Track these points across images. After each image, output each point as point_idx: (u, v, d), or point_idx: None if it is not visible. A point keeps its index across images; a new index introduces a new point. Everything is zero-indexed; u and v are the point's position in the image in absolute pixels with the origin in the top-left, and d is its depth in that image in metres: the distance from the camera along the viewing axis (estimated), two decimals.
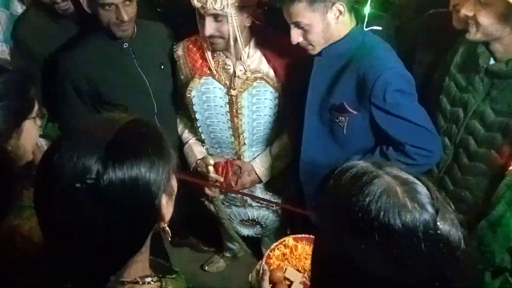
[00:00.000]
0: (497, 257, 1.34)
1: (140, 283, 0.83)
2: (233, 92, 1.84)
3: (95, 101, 1.94)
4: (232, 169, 2.02)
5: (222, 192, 2.10)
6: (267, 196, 2.11)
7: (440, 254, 0.71)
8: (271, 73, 1.81)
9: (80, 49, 1.87)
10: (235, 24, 1.66)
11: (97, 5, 1.73)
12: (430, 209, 0.73)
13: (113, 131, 0.78)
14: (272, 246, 1.41)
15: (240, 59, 1.79)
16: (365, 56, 1.53)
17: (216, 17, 1.65)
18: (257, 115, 1.89)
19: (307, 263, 1.35)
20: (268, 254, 1.38)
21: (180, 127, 2.11)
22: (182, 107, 2.04)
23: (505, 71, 1.42)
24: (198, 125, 1.97)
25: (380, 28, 1.56)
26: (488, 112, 1.47)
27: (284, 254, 1.39)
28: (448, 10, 1.58)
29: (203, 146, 2.06)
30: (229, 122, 1.91)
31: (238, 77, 1.81)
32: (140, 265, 0.84)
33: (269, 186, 2.09)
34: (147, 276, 0.85)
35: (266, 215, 2.21)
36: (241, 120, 1.89)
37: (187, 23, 1.83)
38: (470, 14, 1.36)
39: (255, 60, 1.81)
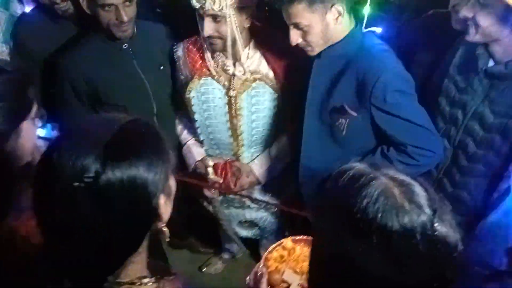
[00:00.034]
0: (496, 258, 1.34)
1: (138, 284, 0.83)
2: (232, 93, 1.84)
3: (94, 102, 1.94)
4: (231, 170, 2.02)
5: (221, 193, 2.09)
6: (266, 197, 2.11)
7: (438, 255, 0.71)
8: (271, 74, 1.81)
9: (80, 49, 1.87)
10: (234, 25, 1.67)
11: (96, 6, 1.73)
12: (427, 210, 0.73)
13: (112, 131, 0.78)
14: (270, 248, 1.40)
15: (240, 60, 1.80)
16: (365, 58, 1.53)
17: (215, 17, 1.65)
18: (256, 116, 1.89)
19: (305, 265, 1.33)
20: (266, 256, 1.38)
21: (179, 128, 2.11)
22: (181, 108, 2.04)
23: (504, 72, 1.42)
24: (197, 125, 1.97)
25: (379, 29, 1.56)
26: (487, 114, 1.47)
27: (282, 256, 1.38)
28: (448, 10, 1.58)
29: (202, 147, 2.06)
30: (228, 122, 1.91)
31: (238, 78, 1.82)
32: (137, 266, 0.84)
33: (267, 187, 2.09)
34: (144, 277, 0.85)
35: (264, 217, 2.21)
36: (240, 121, 1.89)
37: (187, 23, 1.83)
38: (470, 15, 1.36)
39: (254, 61, 1.82)
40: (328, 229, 0.78)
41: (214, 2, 1.60)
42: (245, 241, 2.44)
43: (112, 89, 1.90)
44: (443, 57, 1.67)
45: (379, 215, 0.71)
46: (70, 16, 1.96)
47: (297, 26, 1.52)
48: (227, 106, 1.87)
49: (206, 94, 1.88)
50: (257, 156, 2.02)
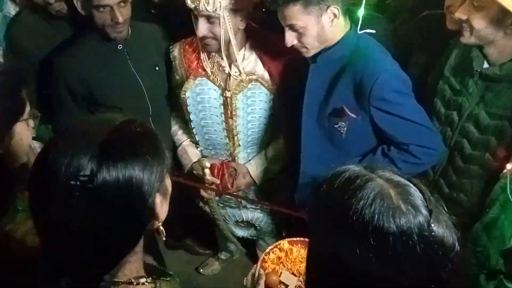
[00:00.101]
0: (492, 259, 1.35)
1: (135, 283, 0.84)
2: (227, 94, 1.83)
3: (90, 103, 1.93)
4: (228, 171, 2.01)
5: (217, 193, 2.09)
6: (262, 198, 2.11)
7: (435, 256, 0.71)
8: (266, 75, 1.81)
9: (74, 50, 1.87)
10: (228, 26, 1.67)
11: (91, 6, 1.73)
12: (423, 211, 0.73)
13: (108, 131, 0.79)
14: (267, 250, 1.40)
15: (235, 61, 1.79)
16: (361, 60, 1.53)
17: (208, 18, 1.66)
18: (251, 117, 1.89)
19: (302, 266, 1.34)
20: (263, 257, 1.38)
21: (174, 129, 2.10)
22: (177, 108, 2.03)
23: (499, 75, 1.43)
24: (192, 126, 1.97)
25: (374, 31, 1.56)
26: (483, 116, 1.48)
27: (279, 258, 1.38)
28: (442, 11, 1.59)
29: (197, 147, 2.05)
30: (224, 123, 1.90)
31: (233, 78, 1.81)
32: (134, 265, 0.84)
33: (263, 188, 2.09)
34: (141, 277, 0.85)
35: (260, 217, 2.21)
36: (235, 121, 1.89)
37: (182, 24, 1.83)
38: (464, 17, 1.37)
39: (250, 62, 1.81)
40: (324, 231, 0.78)
41: (208, 3, 1.60)
42: (242, 242, 2.44)
43: (107, 90, 1.89)
44: (437, 59, 1.67)
45: (375, 216, 0.71)
46: (64, 16, 1.95)
47: (292, 28, 1.52)
48: (222, 107, 1.87)
49: (201, 95, 1.88)
50: (253, 156, 2.01)
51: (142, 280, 0.85)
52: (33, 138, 1.35)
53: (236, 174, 2.01)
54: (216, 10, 1.61)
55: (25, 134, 1.18)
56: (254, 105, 1.86)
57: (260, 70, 1.81)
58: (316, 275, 0.84)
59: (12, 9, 2.03)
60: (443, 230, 0.72)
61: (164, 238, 0.87)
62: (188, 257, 2.76)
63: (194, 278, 2.64)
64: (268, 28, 1.85)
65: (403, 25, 1.95)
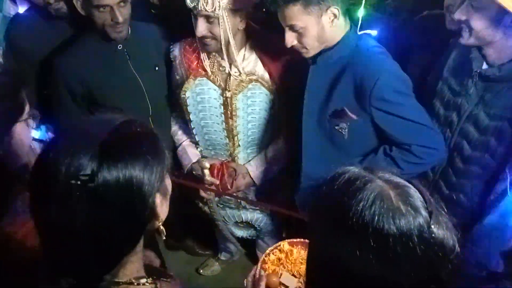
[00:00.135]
0: (492, 260, 1.35)
1: (135, 284, 0.84)
2: (228, 94, 1.83)
3: (90, 103, 1.93)
4: (227, 171, 2.01)
5: (217, 194, 2.09)
6: (261, 198, 2.11)
7: (435, 257, 0.71)
8: (266, 75, 1.81)
9: (74, 51, 1.86)
10: (227, 26, 1.67)
11: (91, 7, 1.73)
12: (423, 212, 0.73)
13: (108, 131, 0.79)
14: (267, 251, 1.40)
15: (235, 61, 1.79)
16: (361, 61, 1.53)
17: (208, 18, 1.66)
18: (251, 117, 1.89)
19: (303, 268, 1.34)
20: (264, 259, 1.38)
21: (173, 129, 2.10)
22: (177, 109, 2.03)
23: (498, 75, 1.42)
24: (192, 126, 1.97)
25: (374, 31, 1.56)
26: (482, 116, 1.47)
27: (279, 259, 1.38)
28: (442, 11, 1.58)
29: (197, 147, 2.05)
30: (224, 123, 1.90)
31: (233, 78, 1.81)
32: (135, 266, 0.85)
33: (263, 189, 2.08)
34: (142, 277, 0.86)
35: (260, 218, 2.20)
36: (235, 121, 1.88)
37: (182, 24, 1.83)
38: (463, 18, 1.37)
39: (250, 62, 1.81)
40: (324, 233, 0.78)
41: (207, 3, 1.60)
42: (242, 242, 2.44)
43: (107, 90, 1.89)
44: (437, 59, 1.67)
45: (375, 218, 0.71)
46: (63, 16, 1.95)
47: (292, 28, 1.52)
48: (222, 107, 1.87)
49: (201, 95, 1.88)
50: (254, 157, 2.01)
51: (143, 280, 0.85)
52: (33, 139, 1.35)
53: (235, 175, 2.01)
54: (215, 10, 1.61)
55: (25, 135, 1.18)
56: (254, 105, 1.86)
57: (260, 70, 1.81)
58: (317, 276, 0.84)
59: (12, 9, 2.02)
60: (443, 231, 0.72)
61: (164, 237, 0.87)
62: (188, 258, 2.76)
63: (194, 279, 2.64)
64: (268, 28, 1.85)
65: (403, 25, 1.94)
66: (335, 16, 1.49)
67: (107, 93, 1.90)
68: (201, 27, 1.67)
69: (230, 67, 1.81)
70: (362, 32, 1.56)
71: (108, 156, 0.75)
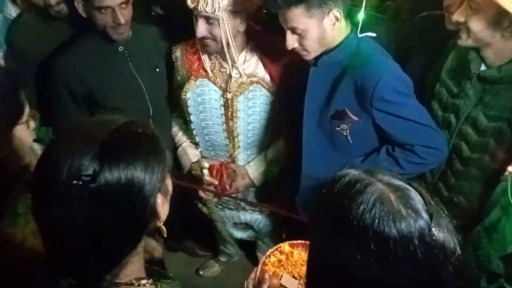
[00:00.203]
0: (493, 262, 1.34)
1: (136, 284, 0.84)
2: (228, 95, 1.84)
3: (90, 105, 1.93)
4: (227, 172, 2.01)
5: (216, 195, 2.09)
6: (261, 200, 2.11)
7: (436, 260, 0.71)
8: (267, 77, 1.81)
9: (75, 52, 1.86)
10: (227, 27, 1.67)
11: (93, 8, 1.73)
12: (424, 215, 0.73)
13: (109, 132, 0.79)
14: (268, 253, 1.40)
15: (236, 63, 1.79)
16: (362, 62, 1.53)
17: (208, 19, 1.66)
18: (252, 119, 1.89)
19: (303, 269, 1.34)
20: (264, 260, 1.37)
21: (174, 129, 2.10)
22: (177, 109, 2.03)
23: (497, 77, 1.42)
24: (193, 127, 1.97)
25: (374, 34, 1.56)
26: (481, 118, 1.47)
27: (280, 261, 1.38)
28: (441, 12, 1.58)
29: (197, 148, 2.06)
30: (224, 124, 1.90)
31: (234, 80, 1.81)
32: (135, 266, 0.85)
33: (262, 190, 2.08)
34: (142, 278, 0.86)
35: (259, 219, 2.20)
36: (236, 123, 1.88)
37: (183, 25, 1.83)
38: (462, 20, 1.37)
39: (251, 64, 1.81)
40: (325, 235, 0.78)
41: (206, 4, 1.60)
42: (242, 243, 2.44)
43: (107, 91, 1.89)
44: (436, 60, 1.67)
45: (376, 221, 0.71)
46: (64, 18, 1.95)
47: (293, 30, 1.51)
48: (223, 108, 1.87)
49: (202, 96, 1.88)
50: (253, 158, 2.01)
51: (143, 281, 0.85)
52: (34, 140, 1.35)
53: (235, 175, 2.01)
54: (215, 11, 1.62)
55: (25, 136, 1.18)
56: (254, 107, 1.86)
57: (261, 72, 1.81)
58: (317, 279, 0.83)
59: (12, 11, 2.02)
60: (444, 234, 0.72)
61: (165, 235, 0.87)
62: (188, 259, 2.76)
63: (194, 280, 2.63)
64: (269, 30, 1.85)
65: (403, 26, 1.94)
66: (337, 19, 1.49)
67: (108, 94, 1.90)
68: (201, 28, 1.68)
69: (231, 69, 1.81)
70: (363, 34, 1.56)
71: (110, 157, 0.76)
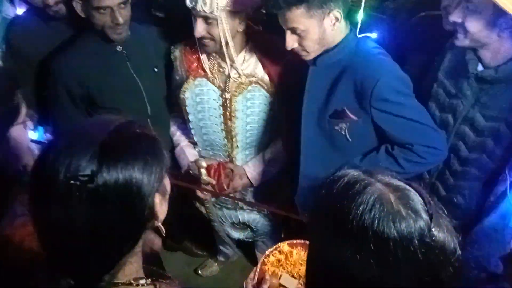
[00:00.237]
0: (492, 262, 1.35)
1: (134, 285, 0.84)
2: (227, 95, 1.83)
3: (88, 105, 1.93)
4: (224, 172, 2.01)
5: (214, 194, 2.09)
6: (259, 200, 2.10)
7: (436, 261, 0.71)
8: (266, 78, 1.81)
9: (73, 52, 1.86)
10: (225, 27, 1.66)
11: (91, 8, 1.72)
12: (424, 215, 0.72)
13: (107, 132, 0.79)
14: (267, 252, 1.40)
15: (235, 63, 1.79)
16: (361, 62, 1.53)
17: (206, 19, 1.66)
18: (251, 119, 1.89)
19: (302, 269, 1.34)
20: (263, 260, 1.37)
21: (172, 129, 2.10)
22: (175, 109, 2.03)
23: (495, 77, 1.43)
24: (191, 126, 1.97)
25: (374, 34, 1.56)
26: (478, 118, 1.48)
27: (279, 261, 1.38)
28: (439, 12, 1.58)
29: (195, 148, 2.05)
30: (223, 124, 1.90)
31: (233, 80, 1.81)
32: (134, 266, 0.85)
33: (260, 190, 2.08)
34: (141, 278, 0.85)
35: (257, 219, 2.20)
36: (234, 123, 1.88)
37: (182, 26, 1.83)
38: (459, 20, 1.37)
39: (250, 64, 1.81)
40: (324, 236, 0.78)
41: (205, 4, 1.60)
42: (241, 243, 2.44)
43: (106, 92, 1.89)
44: (433, 61, 1.67)
45: (375, 221, 0.71)
46: (62, 18, 1.94)
47: (294, 31, 1.51)
48: (221, 108, 1.87)
49: (200, 95, 1.88)
50: (251, 158, 2.01)
51: (142, 281, 0.85)
52: (31, 140, 1.34)
53: (232, 175, 2.00)
54: (213, 11, 1.61)
55: (22, 136, 1.18)
56: (253, 107, 1.86)
57: (260, 72, 1.81)
58: (316, 279, 0.83)
59: (11, 11, 2.02)
60: (444, 234, 0.72)
61: (164, 235, 0.87)
62: (187, 259, 2.76)
63: (193, 280, 2.63)
64: (268, 30, 1.85)
65: (402, 27, 1.94)
66: (337, 19, 1.49)
67: (106, 94, 1.89)
68: (200, 28, 1.68)
69: (230, 69, 1.81)
70: (362, 35, 1.55)
71: (108, 157, 0.75)
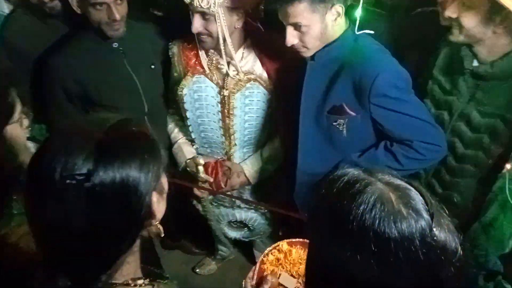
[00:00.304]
0: (491, 260, 1.35)
1: (132, 285, 0.84)
2: (225, 92, 1.82)
3: (85, 102, 1.91)
4: (222, 169, 2.01)
5: (211, 192, 2.08)
6: (257, 198, 2.10)
7: (438, 261, 0.70)
8: (265, 75, 1.80)
9: (69, 50, 1.84)
10: (223, 24, 1.65)
11: (88, 4, 1.71)
12: (425, 215, 0.72)
13: (104, 130, 0.78)
14: (266, 251, 1.40)
15: (233, 60, 1.78)
16: (360, 58, 1.52)
17: (204, 15, 1.65)
18: (249, 116, 1.88)
19: (302, 268, 1.34)
20: (262, 259, 1.37)
21: (169, 126, 2.09)
22: (173, 106, 2.02)
23: (490, 72, 1.42)
24: (189, 124, 1.96)
25: (372, 31, 1.55)
26: (474, 114, 1.47)
27: (278, 259, 1.38)
28: (436, 8, 1.58)
29: (193, 145, 2.05)
30: (221, 122, 1.90)
31: (231, 77, 1.80)
32: (131, 266, 0.84)
33: (258, 188, 2.08)
34: (139, 279, 0.85)
35: (254, 218, 2.20)
36: (232, 120, 1.88)
37: (180, 22, 1.81)
38: (454, 16, 1.37)
39: (249, 61, 1.80)
40: (324, 236, 0.77)
41: (202, 0, 1.58)
42: (238, 241, 2.43)
43: (102, 89, 1.88)
44: (428, 57, 1.67)
45: (376, 222, 0.70)
46: (58, 14, 1.92)
47: (295, 26, 1.49)
48: (219, 105, 1.86)
49: (198, 92, 1.87)
50: (249, 156, 2.00)
51: (140, 281, 0.85)
52: (28, 139, 1.33)
53: (230, 173, 2.00)
54: (210, 7, 1.60)
55: (18, 135, 1.16)
56: (251, 105, 1.85)
57: (259, 69, 1.80)
58: (316, 278, 0.83)
59: (5, 7, 2.00)
60: (445, 234, 0.71)
61: (163, 235, 0.87)
62: (184, 257, 2.75)
63: (191, 278, 2.63)
64: (267, 27, 1.84)
65: (399, 23, 1.94)
66: (338, 14, 1.48)
67: (102, 91, 1.88)
68: (197, 24, 1.67)
69: (228, 66, 1.79)
70: (361, 32, 1.55)
71: (104, 156, 0.75)
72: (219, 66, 1.82)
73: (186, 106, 1.90)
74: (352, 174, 0.78)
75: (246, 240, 2.37)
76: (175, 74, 1.91)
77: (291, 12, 1.46)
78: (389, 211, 0.71)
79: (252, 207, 2.15)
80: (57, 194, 0.73)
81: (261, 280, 1.29)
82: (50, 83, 1.88)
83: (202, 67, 1.84)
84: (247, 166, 1.99)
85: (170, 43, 1.90)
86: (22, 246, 0.99)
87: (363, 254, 0.70)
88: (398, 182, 0.77)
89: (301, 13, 1.45)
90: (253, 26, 1.82)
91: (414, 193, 0.75)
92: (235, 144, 1.95)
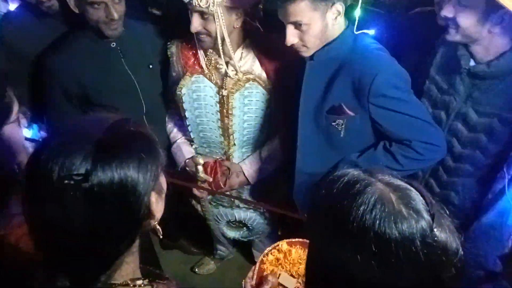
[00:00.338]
0: (490, 260, 1.35)
1: (131, 285, 0.83)
2: (224, 92, 1.82)
3: (83, 102, 1.91)
4: (221, 169, 2.00)
5: (210, 192, 2.08)
6: (256, 198, 2.10)
7: (439, 261, 0.70)
8: (264, 75, 1.80)
9: (67, 49, 1.84)
10: (221, 23, 1.65)
11: (85, 3, 1.70)
12: (426, 215, 0.72)
13: (102, 130, 0.78)
14: (266, 251, 1.39)
15: (232, 60, 1.78)
16: (359, 58, 1.52)
17: (202, 14, 1.64)
18: (248, 116, 1.88)
19: (301, 268, 1.34)
20: (262, 259, 1.37)
21: (169, 126, 2.09)
22: (172, 106, 2.02)
23: (487, 72, 1.42)
24: (188, 123, 1.96)
25: (372, 31, 1.55)
26: (471, 114, 1.48)
27: (278, 259, 1.37)
28: (433, 8, 1.57)
29: (192, 145, 2.04)
30: (219, 121, 1.89)
31: (230, 77, 1.80)
32: (130, 267, 0.84)
33: (257, 188, 2.08)
34: (138, 279, 0.85)
35: (253, 217, 2.19)
36: (231, 120, 1.87)
37: (179, 22, 1.81)
38: (450, 15, 1.37)
39: (248, 61, 1.80)
40: (324, 237, 0.77)
41: None
42: (237, 241, 2.43)
43: (100, 88, 1.87)
44: (425, 57, 1.67)
45: (377, 222, 0.70)
46: (55, 13, 1.92)
47: (296, 24, 1.49)
48: (218, 105, 1.86)
49: (197, 92, 1.86)
50: (248, 156, 2.00)
51: (139, 282, 0.85)
52: (26, 138, 1.33)
53: (229, 173, 2.00)
54: (209, 6, 1.60)
55: (16, 135, 1.16)
56: (250, 105, 1.85)
57: (258, 69, 1.80)
58: (316, 279, 0.83)
59: (3, 7, 1.99)
60: (446, 234, 0.71)
61: (161, 236, 0.87)
62: (183, 257, 2.75)
63: (190, 278, 2.62)
64: (266, 27, 1.83)
65: (397, 23, 1.94)
66: (339, 13, 1.48)
67: (101, 91, 1.87)
68: (196, 23, 1.66)
69: (227, 66, 1.79)
70: (359, 32, 1.54)
71: (102, 156, 0.75)
72: (218, 66, 1.81)
73: (184, 106, 1.90)
74: (352, 174, 0.78)
75: (245, 240, 2.36)
76: (174, 74, 1.91)
77: (292, 11, 1.45)
78: (390, 212, 0.71)
79: (251, 207, 2.15)
80: (55, 194, 0.73)
81: (261, 280, 1.29)
82: (48, 82, 1.87)
83: (201, 67, 1.83)
84: (246, 166, 1.99)
85: (168, 43, 1.90)
86: (22, 246, 0.99)
87: (364, 255, 0.70)
88: (398, 182, 0.77)
89: (302, 11, 1.44)
90: (252, 26, 1.82)
91: (414, 194, 0.75)
92: (234, 144, 1.95)
